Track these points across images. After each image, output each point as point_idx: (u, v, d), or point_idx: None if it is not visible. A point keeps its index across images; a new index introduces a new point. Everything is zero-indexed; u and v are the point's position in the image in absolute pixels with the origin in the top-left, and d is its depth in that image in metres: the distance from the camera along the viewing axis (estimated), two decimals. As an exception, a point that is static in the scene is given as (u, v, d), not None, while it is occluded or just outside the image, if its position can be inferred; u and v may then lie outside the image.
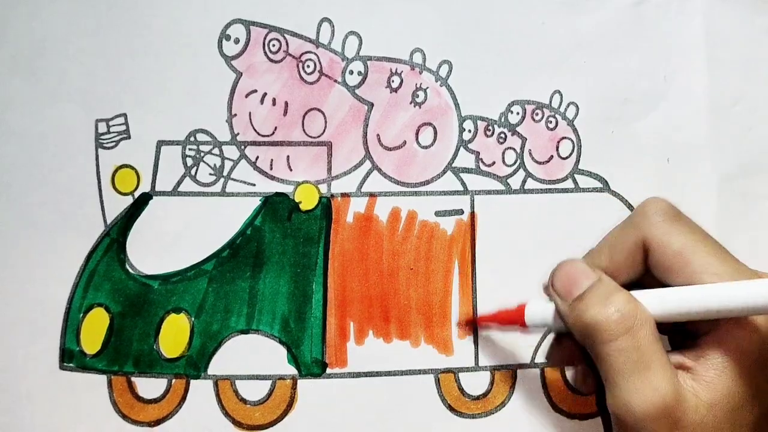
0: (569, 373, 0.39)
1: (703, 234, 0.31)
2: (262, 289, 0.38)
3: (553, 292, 0.32)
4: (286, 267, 0.38)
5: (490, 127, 0.40)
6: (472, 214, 0.39)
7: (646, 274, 0.32)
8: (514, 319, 0.35)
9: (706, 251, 0.30)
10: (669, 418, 0.28)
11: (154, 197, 0.38)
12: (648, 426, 0.28)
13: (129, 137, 0.38)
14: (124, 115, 0.38)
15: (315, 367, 0.38)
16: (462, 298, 0.39)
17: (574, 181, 0.40)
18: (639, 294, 0.31)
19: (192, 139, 0.38)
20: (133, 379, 0.38)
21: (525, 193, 0.40)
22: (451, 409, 0.39)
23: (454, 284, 0.39)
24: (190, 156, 0.38)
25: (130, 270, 0.38)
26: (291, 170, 0.39)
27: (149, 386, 0.38)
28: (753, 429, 0.29)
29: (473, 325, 0.39)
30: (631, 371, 0.28)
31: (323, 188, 0.39)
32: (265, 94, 0.39)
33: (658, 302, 0.30)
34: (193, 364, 0.38)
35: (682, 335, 0.32)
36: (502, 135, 0.40)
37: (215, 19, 0.39)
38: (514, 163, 0.40)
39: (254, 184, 0.39)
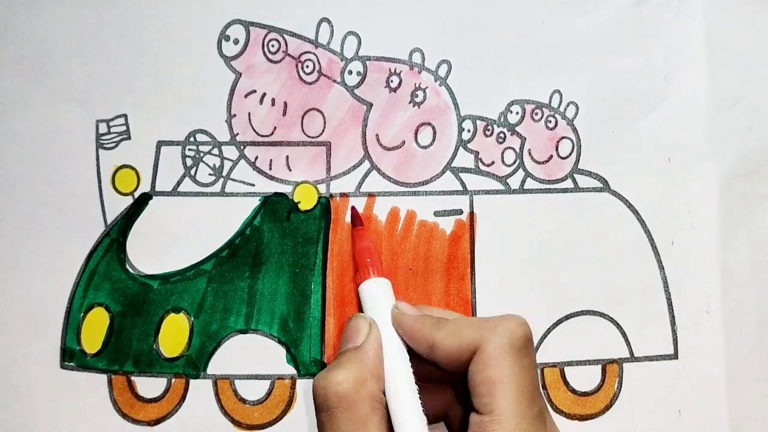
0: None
1: (528, 380, 0.29)
2: (261, 289, 0.38)
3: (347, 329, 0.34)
4: (285, 267, 0.38)
5: (490, 127, 0.40)
6: (471, 214, 0.39)
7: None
8: (358, 278, 0.36)
9: (513, 399, 0.29)
10: None
11: (154, 197, 0.38)
12: None
13: (129, 138, 0.38)
14: (125, 115, 0.38)
15: (314, 367, 0.38)
16: (461, 298, 0.39)
17: (574, 181, 0.40)
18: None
19: (191, 139, 0.39)
20: (133, 378, 0.38)
21: (524, 193, 0.40)
22: (450, 409, 0.38)
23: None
24: (189, 156, 0.39)
25: (130, 270, 0.38)
26: (290, 170, 0.39)
27: (149, 385, 0.38)
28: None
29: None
30: None
31: (322, 188, 0.39)
32: (265, 94, 0.39)
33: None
34: (193, 363, 0.38)
35: None
36: (502, 135, 0.40)
37: (215, 19, 0.39)
38: (514, 162, 0.40)
39: (253, 184, 0.39)
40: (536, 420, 0.29)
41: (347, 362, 0.31)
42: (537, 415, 0.29)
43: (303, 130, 0.39)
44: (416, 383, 0.32)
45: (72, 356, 0.38)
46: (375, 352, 0.32)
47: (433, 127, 0.40)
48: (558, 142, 0.40)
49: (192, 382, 0.38)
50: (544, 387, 0.39)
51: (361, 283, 0.35)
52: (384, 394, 0.31)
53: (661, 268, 0.40)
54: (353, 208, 0.38)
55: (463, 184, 0.40)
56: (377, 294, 0.35)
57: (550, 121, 0.40)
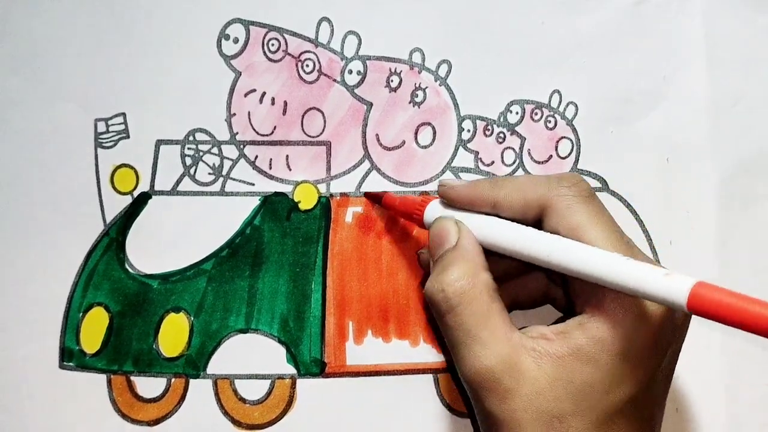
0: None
1: (607, 219, 0.31)
2: (261, 289, 0.38)
3: (429, 246, 0.33)
4: (285, 266, 0.38)
5: (489, 127, 0.40)
6: (471, 214, 0.39)
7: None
8: (413, 210, 0.35)
9: (602, 232, 0.29)
10: (498, 387, 0.29)
11: (153, 196, 0.38)
12: (480, 394, 0.29)
13: (128, 137, 0.38)
14: (123, 114, 0.38)
15: (314, 367, 0.38)
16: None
17: (574, 181, 0.40)
18: (518, 231, 0.31)
19: (191, 138, 0.39)
20: (132, 378, 0.38)
21: (524, 193, 0.40)
22: (450, 408, 0.39)
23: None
24: (189, 155, 0.39)
25: (130, 269, 0.38)
26: (290, 170, 0.39)
27: (149, 385, 0.38)
28: (602, 414, 0.29)
29: (377, 200, 0.38)
30: (460, 343, 0.30)
31: (322, 188, 0.39)
32: (264, 93, 0.39)
33: (527, 241, 0.30)
34: (193, 363, 0.38)
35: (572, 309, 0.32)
36: (501, 134, 0.40)
37: (214, 18, 0.39)
38: (513, 162, 0.40)
39: (253, 184, 0.39)
40: (628, 248, 0.30)
41: (453, 261, 0.31)
42: (627, 243, 0.30)
43: (303, 129, 0.39)
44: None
45: (71, 356, 0.38)
46: (473, 245, 0.32)
47: (433, 127, 0.40)
48: (557, 142, 0.40)
49: (192, 381, 0.38)
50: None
51: (424, 213, 0.34)
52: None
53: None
54: (366, 194, 0.38)
55: (463, 184, 0.40)
56: (440, 208, 0.34)
57: (550, 121, 0.40)
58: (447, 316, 0.30)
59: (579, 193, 0.31)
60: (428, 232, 0.34)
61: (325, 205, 0.39)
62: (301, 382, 0.38)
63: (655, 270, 0.27)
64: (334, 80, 0.39)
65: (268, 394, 0.38)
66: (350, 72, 0.39)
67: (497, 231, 0.32)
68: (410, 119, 0.39)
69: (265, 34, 0.39)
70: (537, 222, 0.31)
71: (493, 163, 0.40)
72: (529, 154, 0.40)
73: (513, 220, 0.32)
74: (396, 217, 0.39)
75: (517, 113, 0.40)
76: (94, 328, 0.38)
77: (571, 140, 0.40)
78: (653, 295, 0.26)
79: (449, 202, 0.34)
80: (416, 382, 0.38)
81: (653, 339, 0.29)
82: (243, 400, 0.38)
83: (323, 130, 0.39)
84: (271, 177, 0.39)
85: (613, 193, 0.40)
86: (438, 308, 0.30)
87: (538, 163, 0.40)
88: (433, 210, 0.34)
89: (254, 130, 0.39)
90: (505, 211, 0.32)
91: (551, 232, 0.30)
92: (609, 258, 0.28)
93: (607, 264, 0.28)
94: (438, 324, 0.31)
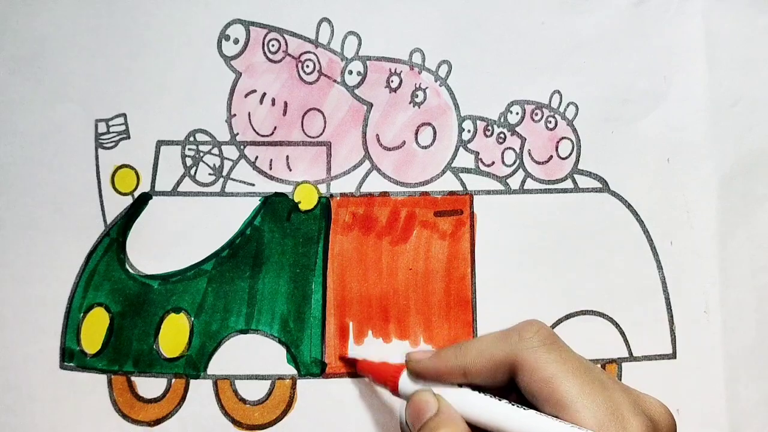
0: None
1: (577, 364, 0.30)
2: (262, 289, 0.38)
3: (407, 424, 0.33)
4: (286, 267, 0.38)
5: (490, 127, 0.40)
6: (472, 214, 0.39)
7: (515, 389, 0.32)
8: (386, 380, 0.35)
9: (576, 385, 0.29)
10: None
11: (153, 197, 0.38)
12: None
13: (128, 137, 0.38)
14: (124, 115, 0.38)
15: (314, 367, 0.38)
16: (461, 298, 0.39)
17: (574, 181, 0.40)
18: (493, 406, 0.31)
19: (191, 139, 0.39)
20: (133, 378, 0.38)
21: (524, 193, 0.40)
22: (450, 409, 0.39)
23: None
24: (189, 156, 0.39)
25: (130, 270, 0.38)
26: (290, 170, 0.39)
27: (149, 386, 0.38)
28: None
29: (351, 365, 0.38)
30: None
31: (322, 188, 0.39)
32: (265, 94, 0.39)
33: (504, 419, 0.30)
34: (193, 363, 0.38)
35: None
36: (502, 135, 0.40)
37: (215, 19, 0.39)
38: (514, 163, 0.40)
39: (254, 184, 0.39)
40: (602, 393, 0.29)
41: (438, 425, 0.30)
42: (602, 383, 0.29)
43: (303, 130, 0.39)
44: None
45: (72, 356, 0.38)
46: (454, 411, 0.31)
47: (434, 128, 0.40)
48: (558, 142, 0.40)
49: (192, 382, 0.38)
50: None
51: (398, 384, 0.34)
52: None
53: (660, 268, 0.40)
54: (341, 358, 0.38)
55: (463, 184, 0.40)
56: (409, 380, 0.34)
57: (550, 122, 0.40)
58: None
59: (543, 342, 0.30)
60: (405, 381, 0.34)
61: (325, 205, 0.39)
62: (301, 383, 0.38)
63: None
64: (335, 81, 0.39)
65: (269, 394, 0.38)
66: (350, 72, 0.39)
67: (469, 406, 0.31)
68: (410, 119, 0.39)
69: (266, 35, 0.39)
70: (511, 380, 0.31)
71: (493, 163, 0.40)
72: (530, 154, 0.40)
73: (486, 385, 0.31)
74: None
75: (517, 114, 0.40)
76: (95, 328, 0.38)
77: (571, 140, 0.40)
78: None
79: (419, 377, 0.33)
80: (417, 383, 0.38)
81: None
82: (243, 401, 0.38)
83: (323, 130, 0.39)
84: (272, 177, 0.39)
85: (614, 194, 0.40)
86: None
87: (539, 163, 0.40)
88: (406, 381, 0.34)
89: (254, 130, 0.39)
90: (475, 378, 0.32)
91: (525, 390, 0.30)
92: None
93: None
94: None
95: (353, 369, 0.38)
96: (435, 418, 0.31)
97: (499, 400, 0.31)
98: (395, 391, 0.34)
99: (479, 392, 0.32)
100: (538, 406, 0.30)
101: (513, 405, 0.30)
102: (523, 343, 0.31)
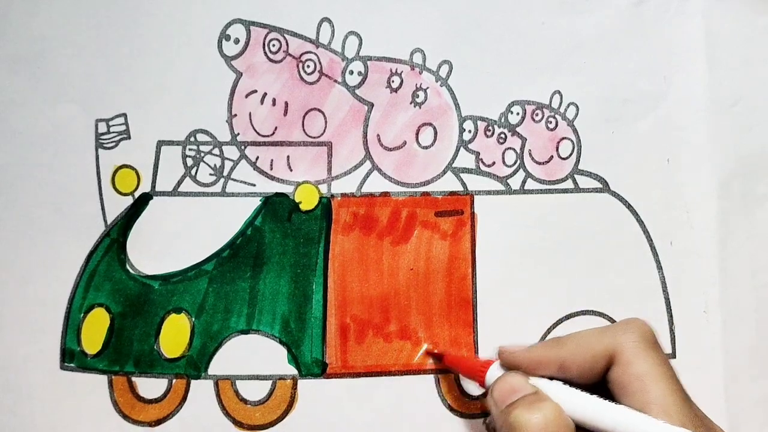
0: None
1: (670, 371, 0.31)
2: (263, 290, 0.38)
3: (490, 399, 0.32)
4: (287, 267, 0.38)
5: (490, 128, 0.40)
6: (472, 215, 0.39)
7: (599, 385, 0.32)
8: (475, 373, 0.35)
9: (667, 387, 0.30)
10: None
11: (154, 197, 0.38)
12: None
13: (129, 137, 0.38)
14: (124, 115, 0.38)
15: (315, 367, 0.38)
16: (462, 298, 0.39)
17: (574, 182, 0.40)
18: (586, 399, 0.31)
19: (192, 139, 0.38)
20: (133, 379, 0.38)
21: (525, 194, 0.40)
22: (451, 409, 0.39)
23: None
24: (190, 156, 0.38)
25: (131, 270, 0.38)
26: (291, 170, 0.39)
27: (150, 386, 0.38)
28: None
29: (437, 359, 0.38)
30: None
31: (323, 188, 0.39)
32: (265, 94, 0.39)
33: (596, 413, 0.30)
34: (194, 364, 0.38)
35: None
36: (502, 135, 0.40)
37: (215, 19, 0.38)
38: (514, 163, 0.40)
39: (254, 185, 0.39)
40: (688, 402, 0.30)
41: (538, 399, 0.30)
42: (686, 398, 0.30)
43: (304, 130, 0.39)
44: None
45: (72, 357, 0.38)
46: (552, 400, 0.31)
47: (434, 128, 0.40)
48: (558, 142, 0.40)
49: (193, 382, 0.38)
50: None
51: (486, 376, 0.34)
52: None
53: (660, 268, 0.41)
54: (428, 352, 0.39)
55: (464, 184, 0.40)
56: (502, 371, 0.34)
57: (551, 122, 0.40)
58: None
59: (644, 339, 0.31)
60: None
61: (326, 205, 0.39)
62: (302, 383, 0.38)
63: None
64: (335, 81, 0.39)
65: (270, 394, 0.38)
66: (351, 72, 0.39)
67: (565, 398, 0.31)
68: (411, 120, 0.39)
69: (266, 35, 0.39)
70: (598, 379, 0.31)
71: (494, 163, 0.40)
72: (530, 154, 0.40)
73: (578, 381, 0.31)
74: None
75: (518, 114, 0.40)
76: (95, 329, 0.38)
77: (572, 141, 0.40)
78: None
79: (512, 369, 0.33)
80: (417, 383, 0.39)
81: None
82: (244, 401, 0.38)
83: (324, 130, 0.39)
84: (272, 178, 0.39)
85: (614, 194, 0.40)
86: None
87: (539, 163, 0.40)
88: (495, 373, 0.34)
89: (255, 130, 0.39)
90: (571, 370, 0.32)
91: (616, 382, 0.31)
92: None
93: None
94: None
95: (439, 362, 0.38)
96: (531, 396, 0.31)
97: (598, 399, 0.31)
98: (483, 383, 0.34)
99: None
100: (625, 401, 0.30)
101: (611, 402, 0.30)
102: (624, 336, 0.31)
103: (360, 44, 0.39)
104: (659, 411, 0.29)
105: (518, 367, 0.33)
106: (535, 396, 0.31)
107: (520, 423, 0.30)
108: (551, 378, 0.32)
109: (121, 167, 0.38)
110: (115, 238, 0.38)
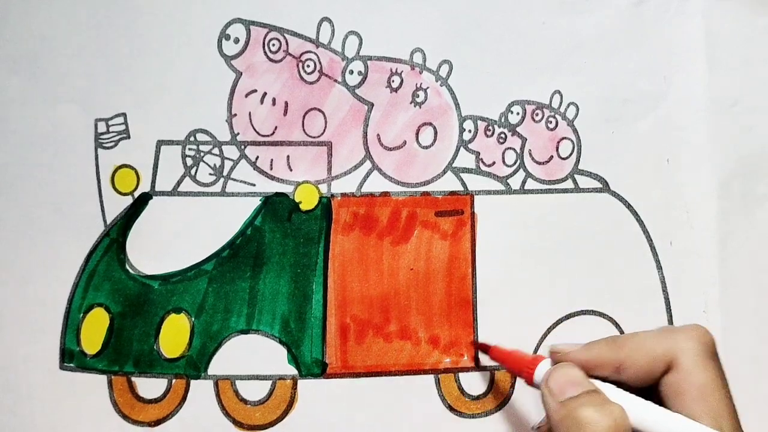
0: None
1: (727, 385, 0.30)
2: (263, 290, 0.38)
3: (545, 388, 0.31)
4: (287, 267, 0.38)
5: (491, 127, 0.40)
6: (473, 214, 0.39)
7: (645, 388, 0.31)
8: (524, 368, 0.34)
9: (722, 400, 0.29)
10: None
11: (153, 197, 0.38)
12: None
13: (128, 137, 0.38)
14: (124, 114, 0.38)
15: (315, 367, 0.38)
16: (462, 298, 0.39)
17: (574, 182, 0.40)
18: (645, 406, 0.30)
19: (192, 138, 0.38)
20: (133, 379, 0.38)
21: (525, 194, 0.40)
22: (451, 409, 0.39)
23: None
24: (190, 156, 0.38)
25: (130, 270, 0.38)
26: (291, 170, 0.39)
27: (149, 386, 0.38)
28: None
29: (483, 351, 0.38)
30: None
31: (323, 188, 0.39)
32: (265, 93, 0.39)
33: (656, 423, 0.29)
34: (194, 364, 0.38)
35: None
36: (502, 135, 0.40)
37: (215, 18, 0.38)
38: (514, 163, 0.40)
39: (254, 184, 0.39)
40: (737, 418, 0.30)
41: (604, 400, 0.30)
42: (736, 413, 0.30)
43: (304, 129, 0.39)
44: None
45: (72, 357, 0.37)
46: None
47: (434, 128, 0.40)
48: (558, 142, 0.40)
49: (193, 382, 0.38)
50: (544, 386, 0.39)
51: (534, 374, 0.33)
52: None
53: (660, 268, 0.41)
54: (474, 343, 0.39)
55: (464, 184, 0.40)
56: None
57: (551, 122, 0.40)
58: None
59: (707, 348, 0.30)
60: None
61: (326, 205, 0.39)
62: (302, 383, 0.38)
63: None
64: (335, 80, 0.39)
65: (270, 394, 0.38)
66: (351, 72, 0.39)
67: (623, 402, 0.30)
68: (411, 119, 0.39)
69: (266, 34, 0.39)
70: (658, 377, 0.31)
71: (494, 163, 0.40)
72: (530, 154, 0.40)
73: (634, 384, 0.31)
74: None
75: (518, 114, 0.40)
76: (95, 329, 0.38)
77: (572, 141, 0.40)
78: None
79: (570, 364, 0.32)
80: (417, 383, 0.39)
81: None
82: (244, 401, 0.38)
83: (324, 130, 0.39)
84: (272, 177, 0.39)
85: (614, 194, 0.40)
86: None
87: (539, 163, 0.40)
88: (544, 372, 0.32)
89: (255, 130, 0.39)
90: (628, 372, 0.31)
91: (672, 388, 0.30)
92: None
93: None
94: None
95: (485, 354, 0.37)
96: (598, 394, 0.30)
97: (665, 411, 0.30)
98: (530, 381, 0.33)
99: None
100: (676, 408, 0.29)
101: (668, 410, 0.30)
102: (687, 343, 0.30)
103: (360, 44, 0.39)
104: (712, 423, 0.29)
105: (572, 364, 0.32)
106: (600, 396, 0.30)
107: (589, 421, 0.29)
108: (604, 379, 0.31)
109: (120, 167, 0.38)
110: (114, 238, 0.38)
